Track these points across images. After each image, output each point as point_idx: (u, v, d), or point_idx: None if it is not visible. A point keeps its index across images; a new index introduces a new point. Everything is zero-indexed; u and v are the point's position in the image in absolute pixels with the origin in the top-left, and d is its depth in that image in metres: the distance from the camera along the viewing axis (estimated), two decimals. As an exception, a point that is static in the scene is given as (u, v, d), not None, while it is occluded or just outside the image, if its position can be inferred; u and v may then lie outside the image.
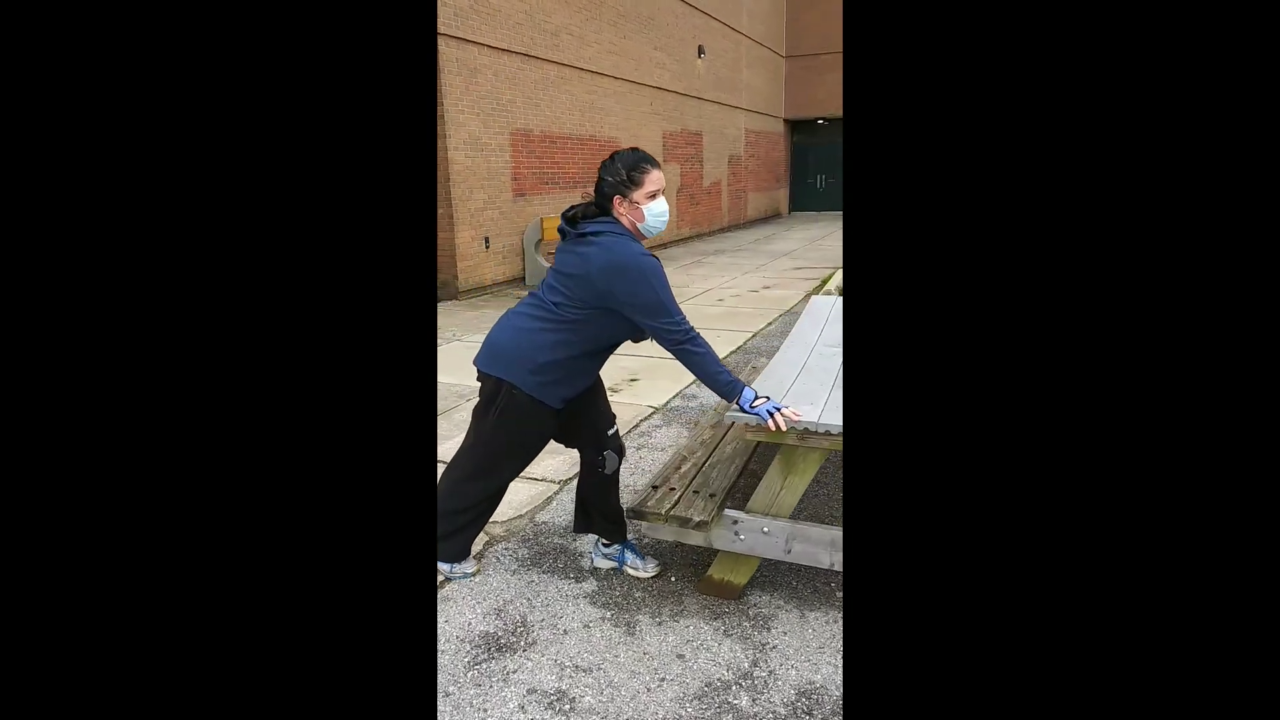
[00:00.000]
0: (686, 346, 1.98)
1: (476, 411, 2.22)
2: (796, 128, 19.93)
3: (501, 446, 2.20)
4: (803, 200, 20.46)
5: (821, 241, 13.06)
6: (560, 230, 2.13)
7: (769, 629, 2.17)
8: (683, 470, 2.48)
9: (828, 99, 18.85)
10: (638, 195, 2.01)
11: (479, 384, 2.20)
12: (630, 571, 2.45)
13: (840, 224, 16.38)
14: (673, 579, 2.44)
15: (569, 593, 2.37)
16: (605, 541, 2.49)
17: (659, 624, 2.20)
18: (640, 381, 4.67)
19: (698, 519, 2.15)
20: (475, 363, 2.18)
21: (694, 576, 2.43)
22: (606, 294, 1.97)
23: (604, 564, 2.50)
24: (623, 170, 2.01)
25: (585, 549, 2.64)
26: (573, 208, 2.14)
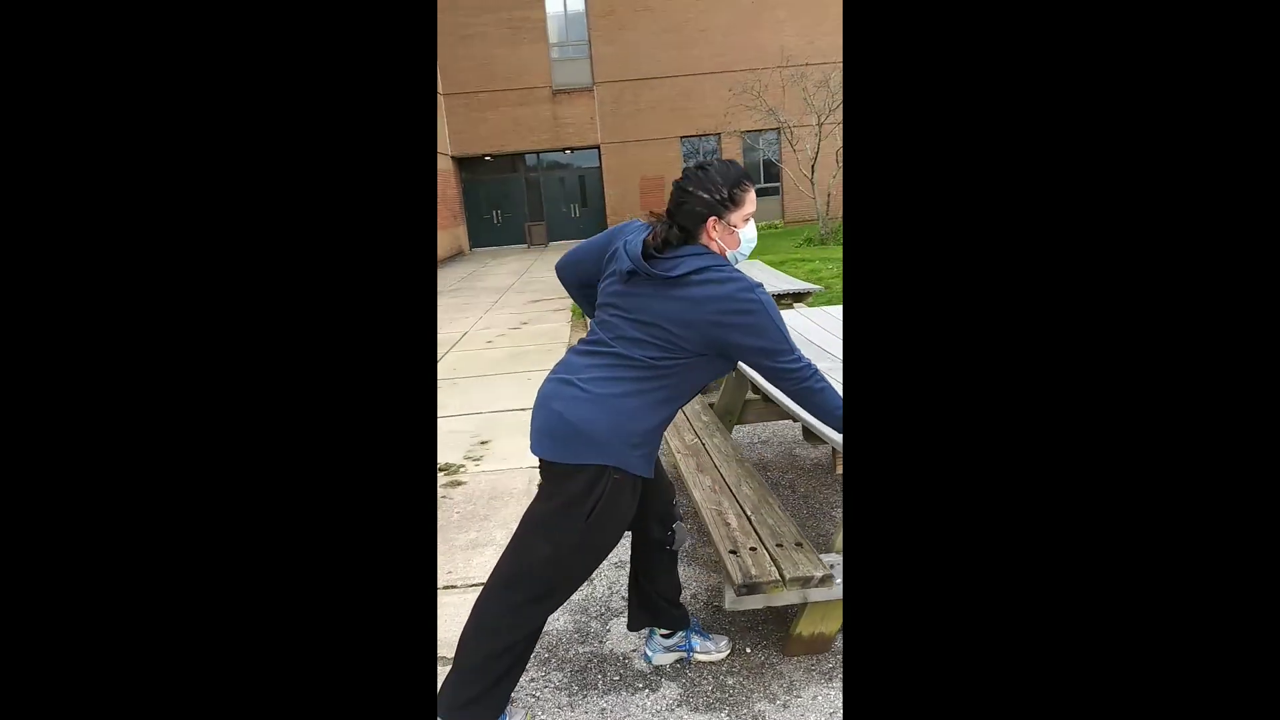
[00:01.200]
0: (810, 384, 1.71)
1: (551, 515, 1.70)
2: (464, 165, 19.73)
3: (597, 549, 1.72)
4: (481, 237, 20.31)
5: (530, 273, 13.07)
6: (630, 270, 1.70)
7: (893, 670, 2.02)
8: (733, 524, 2.20)
9: (491, 135, 19.01)
10: (735, 218, 1.67)
11: (553, 480, 1.69)
12: (702, 657, 2.09)
13: (529, 257, 16.61)
14: (748, 650, 2.14)
15: (657, 707, 1.94)
16: (665, 632, 2.09)
17: (784, 706, 1.90)
18: (495, 443, 4.10)
19: (820, 574, 1.91)
20: (550, 454, 1.67)
21: (766, 641, 2.17)
22: (722, 342, 1.63)
23: (667, 658, 2.09)
24: (724, 187, 1.65)
25: (628, 649, 2.20)
26: (658, 223, 1.72)
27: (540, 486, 1.79)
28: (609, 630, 2.30)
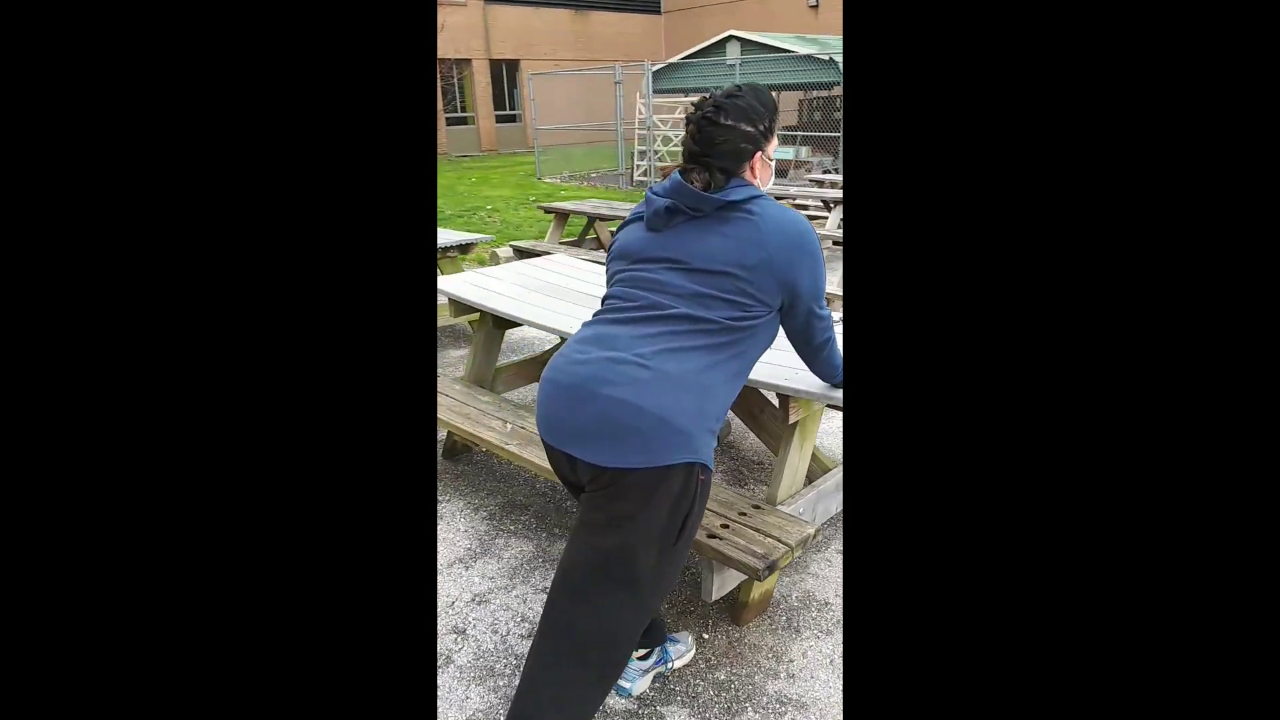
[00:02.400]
0: (832, 335, 1.57)
1: (652, 526, 1.27)
2: None
3: (684, 555, 1.36)
4: None
5: None
6: (669, 206, 1.33)
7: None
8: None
9: None
10: (770, 149, 1.40)
11: (619, 495, 1.26)
12: (679, 663, 1.84)
13: None
14: (705, 636, 1.96)
15: (683, 738, 1.65)
16: (641, 653, 1.77)
17: (791, 676, 1.82)
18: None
19: (812, 529, 1.83)
20: (618, 459, 1.23)
21: (711, 620, 2.01)
22: (793, 282, 1.36)
23: (645, 681, 1.78)
24: (766, 116, 1.36)
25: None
26: (682, 174, 1.35)
27: (589, 509, 1.31)
28: (547, 676, 1.83)
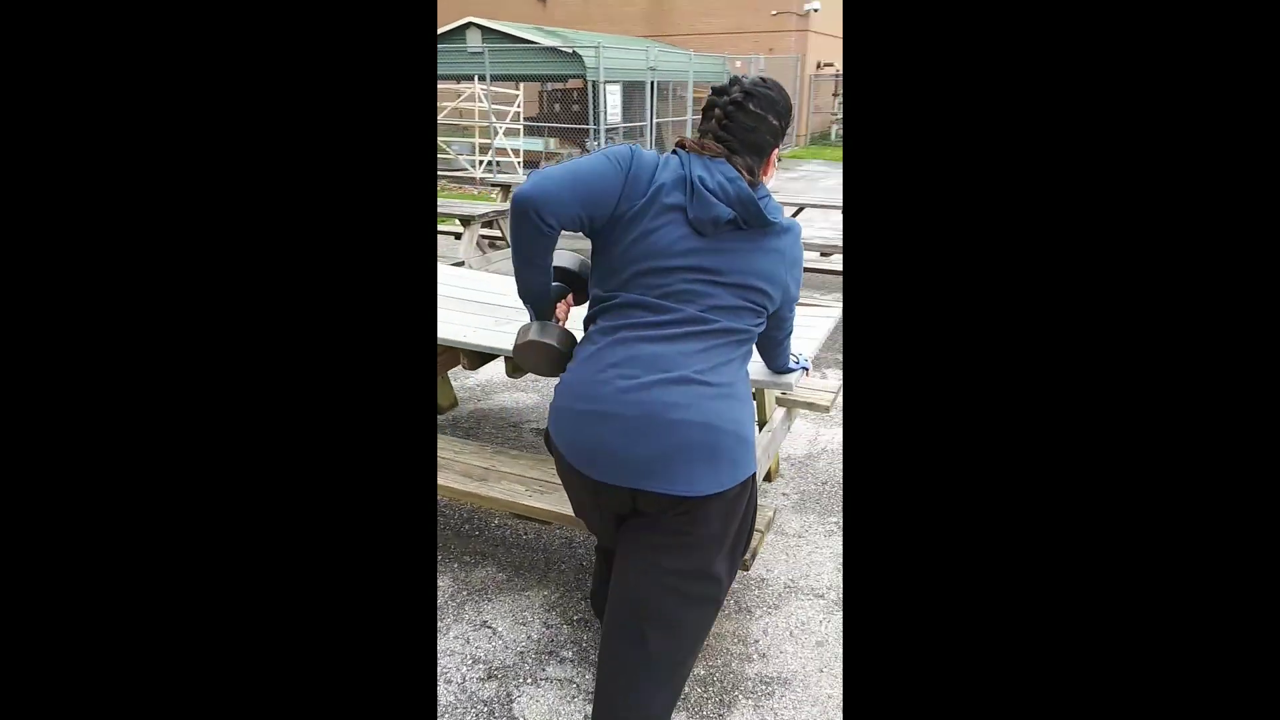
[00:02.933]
0: (791, 329, 1.57)
1: (729, 538, 1.26)
2: None
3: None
4: None
5: None
6: (731, 219, 1.22)
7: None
8: None
9: None
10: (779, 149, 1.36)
11: (694, 520, 1.22)
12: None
13: None
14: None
15: (694, 743, 1.61)
16: None
17: (763, 652, 1.87)
18: None
19: (771, 514, 1.88)
20: (707, 485, 1.17)
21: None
22: (789, 290, 1.36)
23: None
24: (787, 113, 1.30)
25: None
26: (727, 175, 1.23)
27: (658, 534, 1.23)
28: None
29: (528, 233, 1.21)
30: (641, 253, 1.23)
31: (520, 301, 1.38)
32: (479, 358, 2.26)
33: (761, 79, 1.32)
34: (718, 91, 1.31)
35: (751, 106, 1.27)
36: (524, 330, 1.38)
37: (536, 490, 1.91)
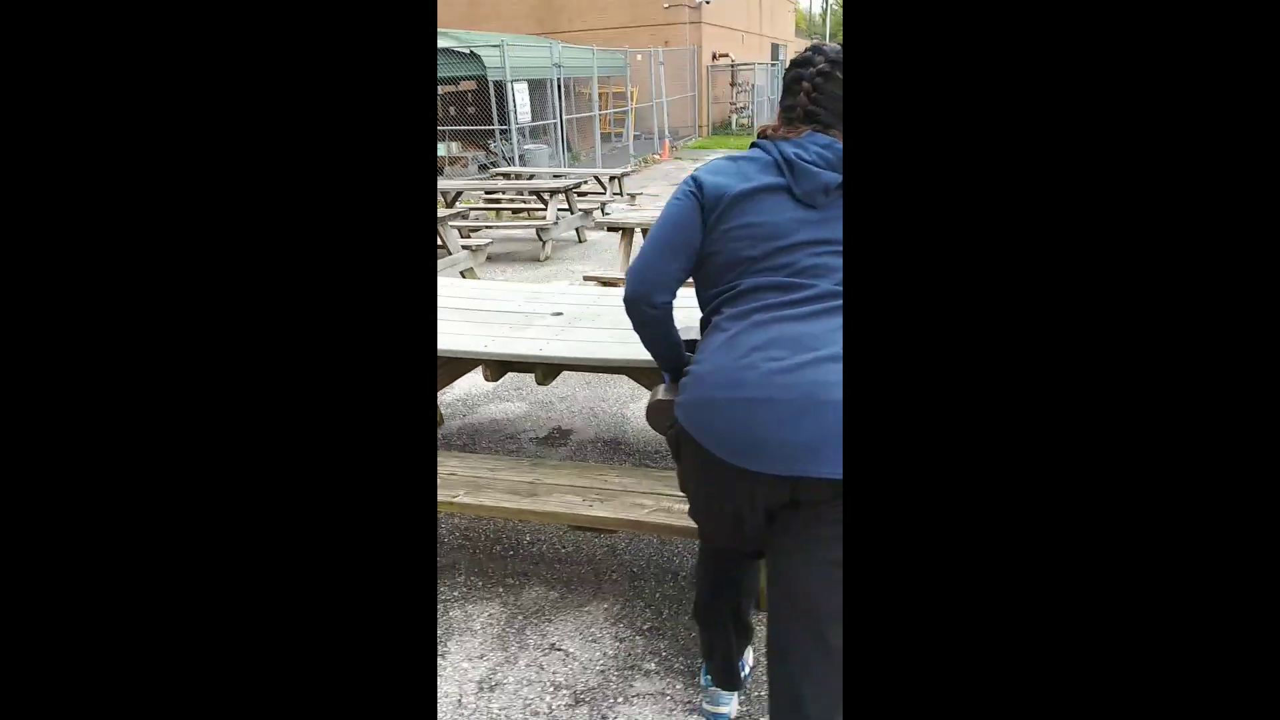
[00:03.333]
0: None
1: (822, 549, 1.17)
2: None
3: None
4: None
5: None
6: (826, 183, 1.18)
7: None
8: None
9: None
10: None
11: (806, 494, 1.15)
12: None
13: None
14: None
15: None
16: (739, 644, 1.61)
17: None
18: None
19: None
20: (802, 465, 1.10)
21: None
22: None
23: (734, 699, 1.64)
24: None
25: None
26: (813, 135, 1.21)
27: (816, 525, 1.16)
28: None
29: (651, 329, 1.31)
30: (757, 236, 1.18)
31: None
32: (500, 367, 2.12)
33: (839, 46, 1.27)
34: (800, 63, 1.26)
35: (838, 74, 1.22)
36: (656, 390, 1.37)
37: (595, 499, 1.81)
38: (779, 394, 1.09)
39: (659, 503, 1.79)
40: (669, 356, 1.36)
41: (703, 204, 1.22)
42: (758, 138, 1.26)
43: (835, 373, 1.10)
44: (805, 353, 1.11)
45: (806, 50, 1.29)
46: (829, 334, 1.14)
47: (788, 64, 1.33)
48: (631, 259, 1.59)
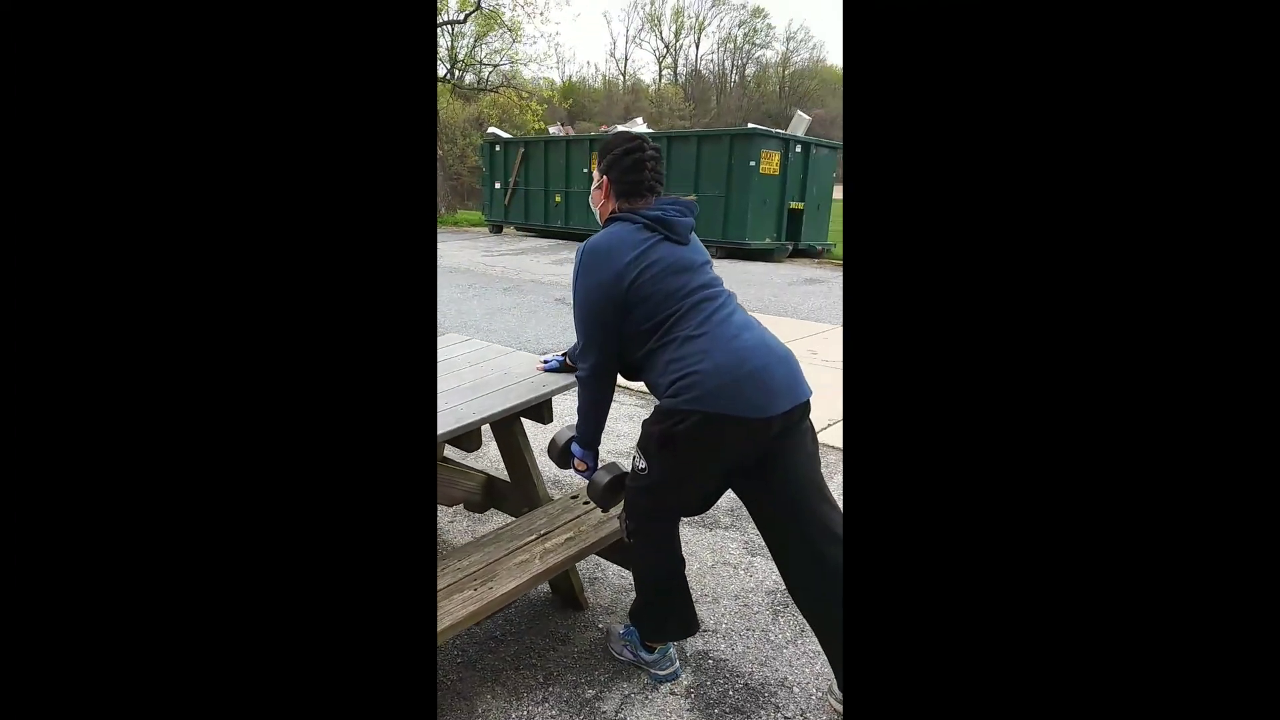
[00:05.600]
0: None
1: (810, 444, 1.66)
2: None
3: None
4: None
5: None
6: (689, 225, 1.70)
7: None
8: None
9: None
10: None
11: (803, 419, 1.62)
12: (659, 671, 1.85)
13: None
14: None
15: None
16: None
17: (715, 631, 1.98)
18: None
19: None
20: (796, 396, 1.57)
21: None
22: None
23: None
24: None
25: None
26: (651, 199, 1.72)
27: (804, 440, 1.63)
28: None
29: (610, 394, 1.72)
30: (667, 273, 1.60)
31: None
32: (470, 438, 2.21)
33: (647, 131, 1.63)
34: (635, 149, 1.65)
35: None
36: (598, 478, 1.78)
37: (481, 581, 1.82)
38: (765, 357, 1.54)
39: (537, 545, 1.88)
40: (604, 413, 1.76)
41: (618, 278, 1.59)
42: (613, 215, 1.68)
43: (774, 337, 1.61)
44: (754, 329, 1.59)
45: (629, 139, 1.67)
46: (750, 317, 1.64)
47: (612, 149, 1.69)
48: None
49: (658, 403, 1.59)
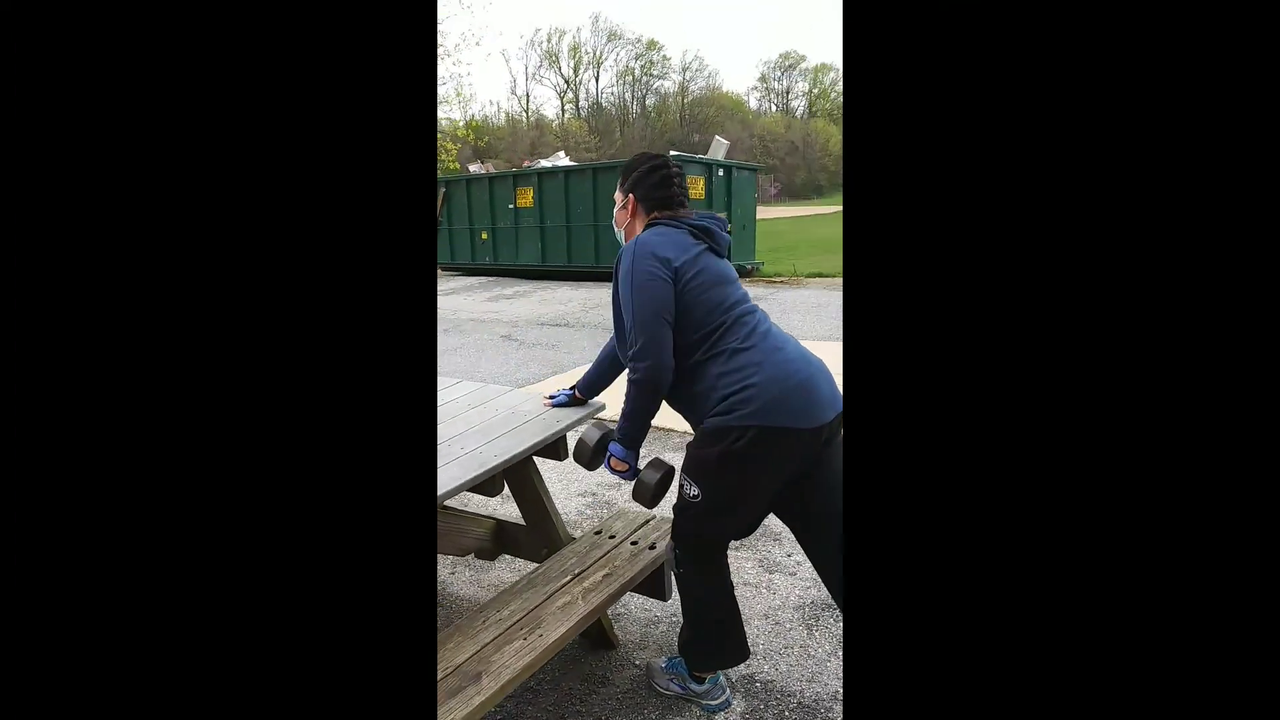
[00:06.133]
0: None
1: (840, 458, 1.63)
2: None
3: None
4: None
5: None
6: (728, 239, 1.73)
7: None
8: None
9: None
10: None
11: (836, 427, 1.63)
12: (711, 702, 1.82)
13: None
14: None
15: None
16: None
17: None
18: None
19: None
20: (837, 405, 1.59)
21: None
22: None
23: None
24: None
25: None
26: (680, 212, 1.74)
27: (836, 449, 1.63)
28: None
29: (662, 393, 1.61)
30: (711, 283, 1.61)
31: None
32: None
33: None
34: (661, 166, 1.68)
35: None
36: (647, 477, 1.71)
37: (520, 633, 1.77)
38: (808, 369, 1.56)
39: (575, 587, 1.83)
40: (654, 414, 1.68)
41: (674, 278, 1.57)
42: (655, 220, 1.68)
43: (808, 350, 1.63)
44: (792, 342, 1.62)
45: (653, 157, 1.73)
46: (783, 331, 1.67)
47: (636, 168, 1.73)
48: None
49: (704, 425, 1.57)
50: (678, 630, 2.06)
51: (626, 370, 1.63)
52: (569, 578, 1.84)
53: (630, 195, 1.70)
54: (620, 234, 1.76)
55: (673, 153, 11.49)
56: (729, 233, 1.73)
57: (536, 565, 1.97)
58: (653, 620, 2.19)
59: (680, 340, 1.57)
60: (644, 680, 1.91)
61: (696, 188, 10.93)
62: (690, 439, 1.64)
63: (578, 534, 2.15)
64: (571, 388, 2.02)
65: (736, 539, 1.83)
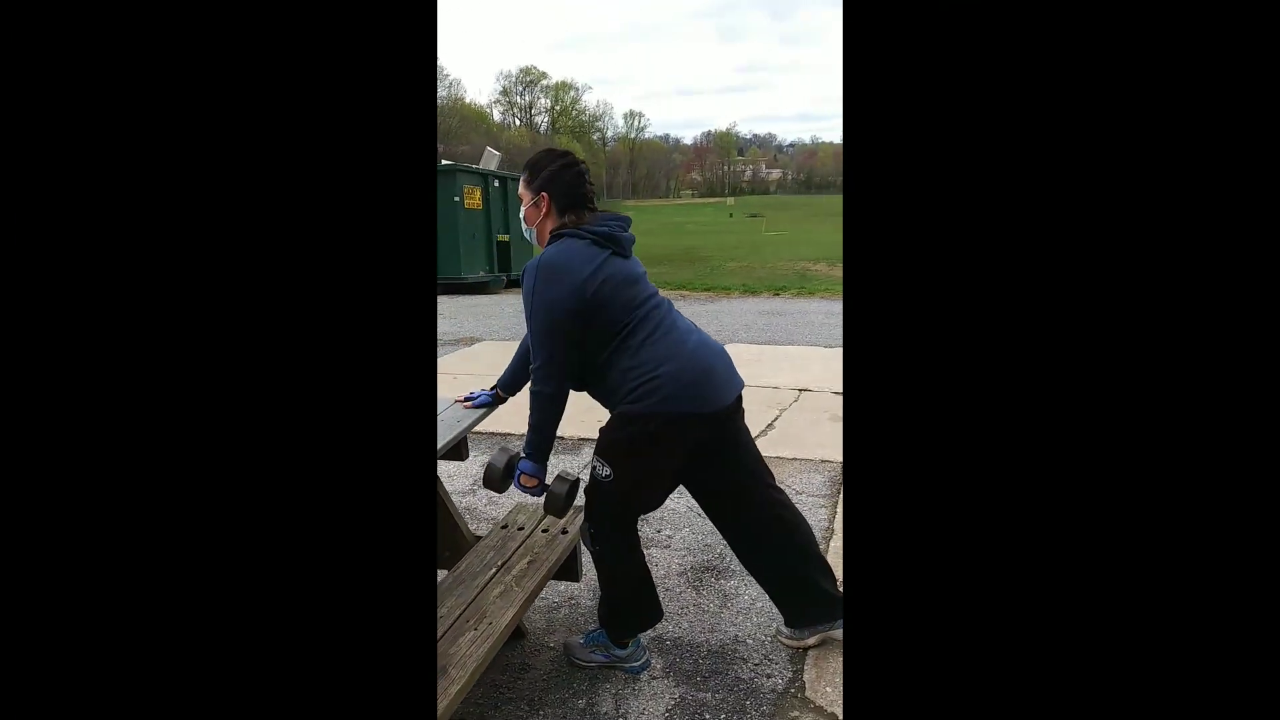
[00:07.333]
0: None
1: (745, 433, 1.91)
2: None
3: None
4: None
5: None
6: (631, 239, 1.83)
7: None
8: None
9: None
10: None
11: (736, 406, 1.86)
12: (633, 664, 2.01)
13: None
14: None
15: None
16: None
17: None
18: None
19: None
20: (736, 386, 1.83)
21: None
22: None
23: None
24: None
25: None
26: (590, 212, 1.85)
27: (741, 428, 1.88)
28: None
29: (558, 413, 1.77)
30: (631, 280, 1.76)
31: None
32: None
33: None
34: (574, 162, 1.78)
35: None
36: (557, 489, 1.84)
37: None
38: (711, 357, 1.76)
39: (504, 577, 1.93)
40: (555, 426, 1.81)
41: (579, 291, 1.67)
42: (560, 232, 1.75)
43: (709, 336, 1.83)
44: (695, 331, 1.81)
45: (562, 154, 1.80)
46: (688, 320, 1.84)
47: (546, 166, 1.79)
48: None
49: (617, 410, 1.74)
50: (579, 612, 2.22)
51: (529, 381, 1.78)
52: (494, 570, 1.91)
53: (544, 194, 1.76)
54: (532, 232, 1.83)
55: (447, 162, 11.30)
56: (629, 233, 1.82)
57: (449, 570, 2.00)
58: (552, 606, 2.30)
59: (595, 338, 1.71)
60: (564, 660, 2.03)
61: (474, 198, 10.89)
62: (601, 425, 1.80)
63: (484, 532, 2.20)
64: (493, 388, 2.06)
65: (645, 512, 2.02)
